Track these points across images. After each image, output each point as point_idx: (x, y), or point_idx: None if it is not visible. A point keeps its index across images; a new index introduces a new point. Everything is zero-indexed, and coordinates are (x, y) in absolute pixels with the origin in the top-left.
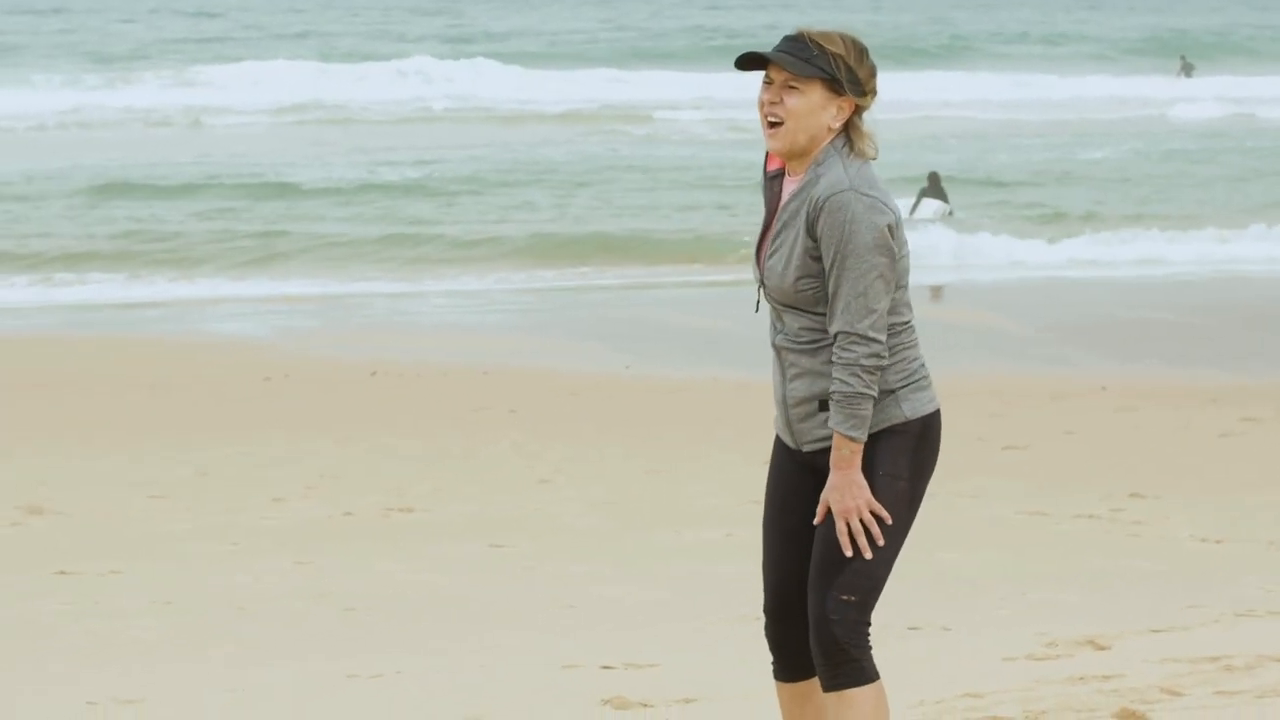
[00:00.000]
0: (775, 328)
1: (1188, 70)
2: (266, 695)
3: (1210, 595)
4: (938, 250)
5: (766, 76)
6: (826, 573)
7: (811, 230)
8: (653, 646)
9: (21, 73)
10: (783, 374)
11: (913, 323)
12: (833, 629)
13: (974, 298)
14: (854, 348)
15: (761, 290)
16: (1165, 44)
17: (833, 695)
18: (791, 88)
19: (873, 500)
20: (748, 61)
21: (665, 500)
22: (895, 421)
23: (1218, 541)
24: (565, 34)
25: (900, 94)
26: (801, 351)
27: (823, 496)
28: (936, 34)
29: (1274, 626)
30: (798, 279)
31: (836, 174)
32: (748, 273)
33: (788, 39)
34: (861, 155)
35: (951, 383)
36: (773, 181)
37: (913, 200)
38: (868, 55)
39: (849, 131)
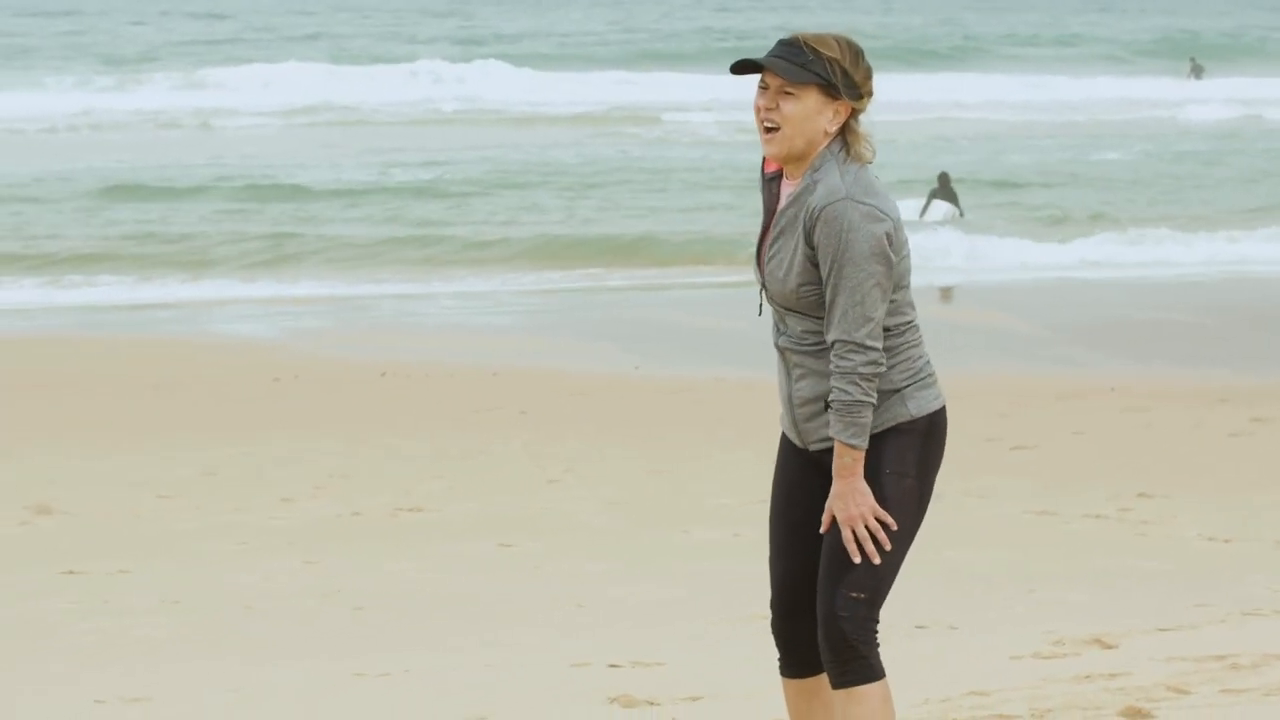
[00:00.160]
0: (779, 329)
1: (1198, 72)
2: (274, 694)
3: (1217, 594)
4: (948, 251)
5: (762, 81)
6: (836, 570)
7: (809, 238)
8: (660, 645)
9: (33, 75)
10: (788, 374)
11: (916, 321)
12: (841, 625)
13: (984, 298)
14: (851, 356)
15: (763, 293)
16: (1178, 45)
17: (841, 692)
18: (787, 93)
19: (876, 506)
20: (743, 66)
21: (673, 500)
22: (901, 420)
23: (1225, 541)
24: (575, 36)
25: (913, 95)
26: (806, 353)
27: (827, 505)
28: (949, 35)
29: None
30: (799, 285)
31: (833, 182)
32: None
33: (782, 43)
34: (859, 159)
35: (961, 383)
36: (770, 183)
37: (923, 201)
38: (863, 57)
39: (845, 135)
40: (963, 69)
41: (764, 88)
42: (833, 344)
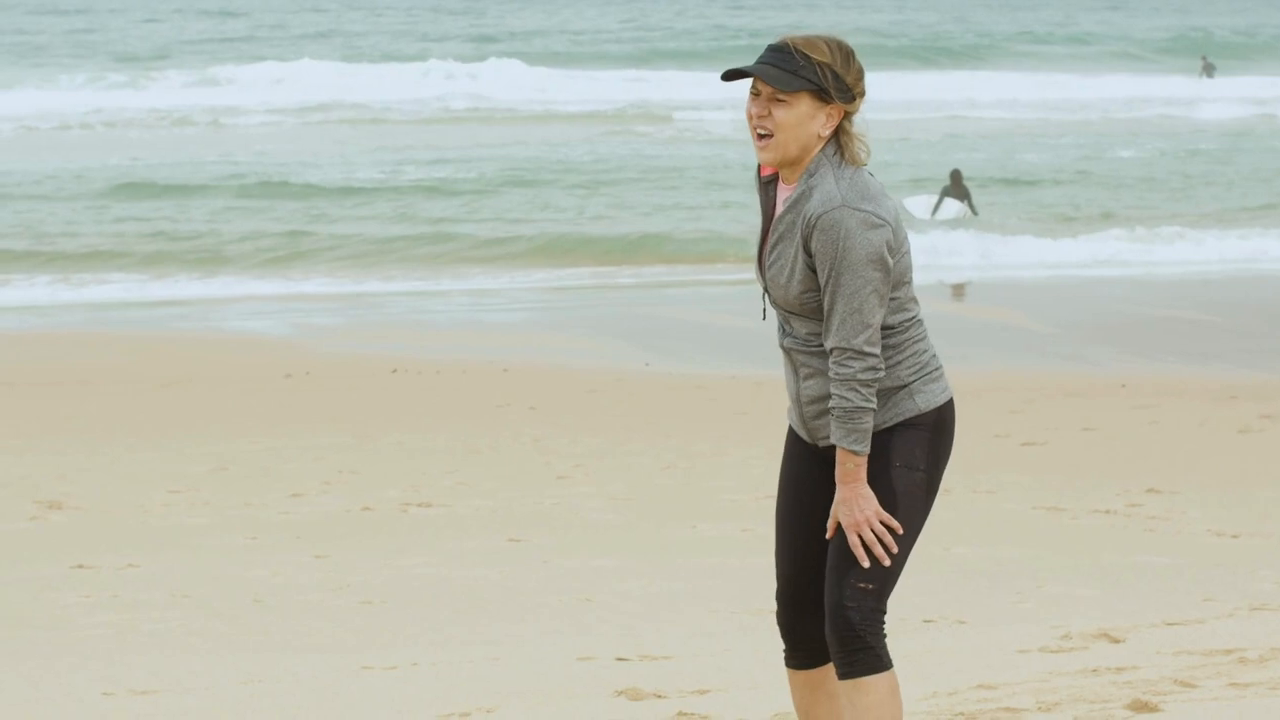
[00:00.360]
0: (784, 330)
1: (1209, 71)
2: (282, 686)
3: (1225, 589)
4: (960, 249)
5: (754, 88)
6: (843, 562)
7: (807, 246)
8: (668, 639)
9: (46, 72)
10: (795, 373)
11: (919, 315)
12: (849, 616)
13: (995, 295)
14: (850, 363)
15: (766, 297)
16: (1192, 43)
17: (848, 683)
18: (779, 100)
19: (881, 510)
20: (734, 74)
21: (683, 495)
22: (910, 414)
23: (1234, 536)
24: (588, 34)
25: (926, 93)
26: (812, 353)
27: (832, 511)
28: (962, 33)
29: None
30: (802, 291)
31: (829, 188)
32: None
33: (772, 50)
34: (854, 161)
35: (972, 379)
36: (767, 186)
37: (935, 199)
38: (854, 58)
39: (839, 137)
40: (976, 67)
41: (755, 94)
42: (831, 351)
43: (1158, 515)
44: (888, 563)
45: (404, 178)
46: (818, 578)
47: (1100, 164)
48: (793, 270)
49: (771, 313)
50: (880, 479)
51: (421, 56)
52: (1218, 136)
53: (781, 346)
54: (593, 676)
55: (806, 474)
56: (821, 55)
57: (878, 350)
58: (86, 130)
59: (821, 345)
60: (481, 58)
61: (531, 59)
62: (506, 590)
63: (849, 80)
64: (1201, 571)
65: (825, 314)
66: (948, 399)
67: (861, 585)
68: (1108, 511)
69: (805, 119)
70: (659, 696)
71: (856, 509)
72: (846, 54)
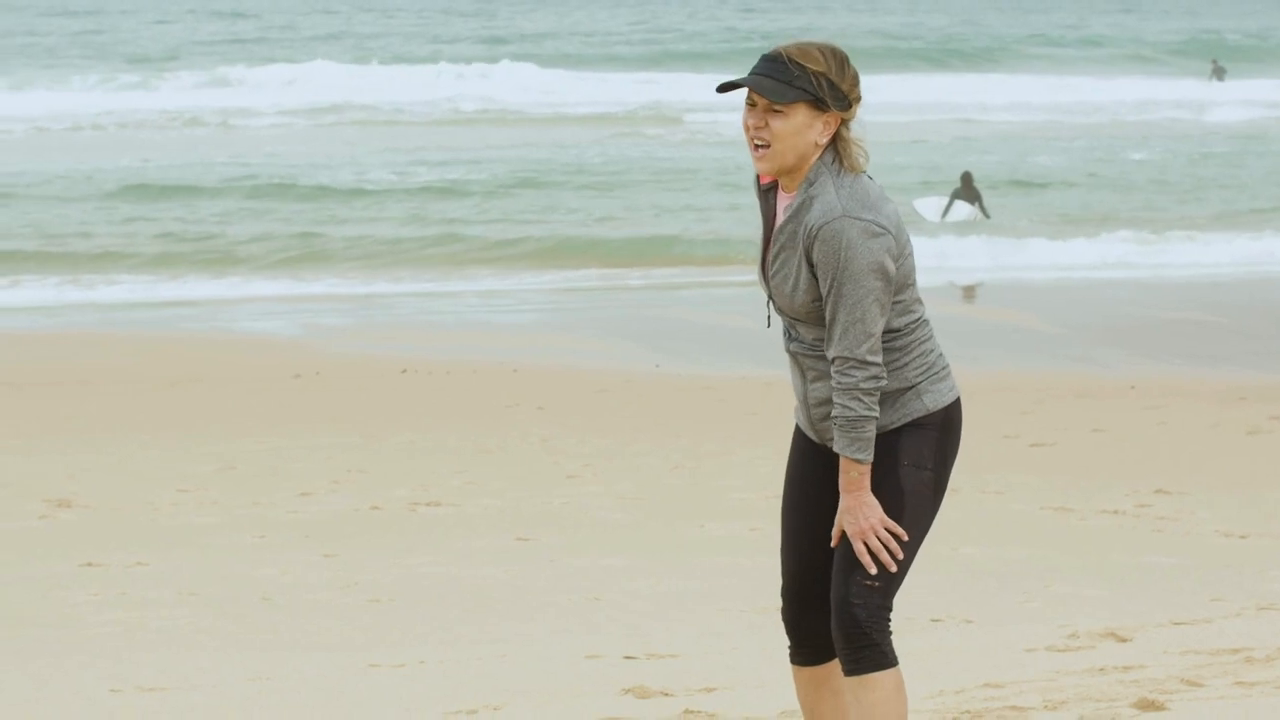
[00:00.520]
0: (789, 335)
1: (1219, 74)
2: (289, 683)
3: (1233, 589)
4: (970, 250)
5: (749, 99)
6: (851, 559)
7: (809, 256)
8: (675, 638)
9: (57, 74)
10: (802, 376)
11: (925, 316)
12: (855, 613)
13: (1006, 297)
14: (853, 372)
15: (771, 304)
16: (1206, 46)
17: (853, 679)
18: (775, 111)
19: (885, 518)
20: (730, 86)
21: (691, 495)
22: (918, 414)
23: (1242, 536)
24: (598, 36)
25: (937, 96)
26: (819, 357)
27: (837, 519)
28: (975, 35)
29: None
30: (809, 300)
31: (829, 199)
32: None
33: (766, 60)
34: (853, 168)
35: (981, 380)
36: (767, 194)
37: (945, 201)
38: (849, 64)
39: (837, 144)
40: (988, 70)
41: (751, 105)
42: (833, 360)
43: (1166, 516)
44: (894, 569)
45: (414, 179)
46: (823, 574)
47: (1110, 166)
48: (797, 280)
49: (776, 319)
50: (888, 478)
51: (432, 58)
52: (1228, 139)
53: (788, 351)
54: (600, 674)
55: (812, 471)
56: (816, 64)
57: (879, 359)
58: (98, 131)
59: None
60: (492, 59)
61: (542, 61)
62: (515, 589)
63: (844, 87)
64: (1209, 571)
65: (827, 323)
66: (955, 398)
67: (868, 583)
68: (1116, 512)
69: (802, 129)
70: (666, 694)
71: (861, 517)
72: (841, 61)
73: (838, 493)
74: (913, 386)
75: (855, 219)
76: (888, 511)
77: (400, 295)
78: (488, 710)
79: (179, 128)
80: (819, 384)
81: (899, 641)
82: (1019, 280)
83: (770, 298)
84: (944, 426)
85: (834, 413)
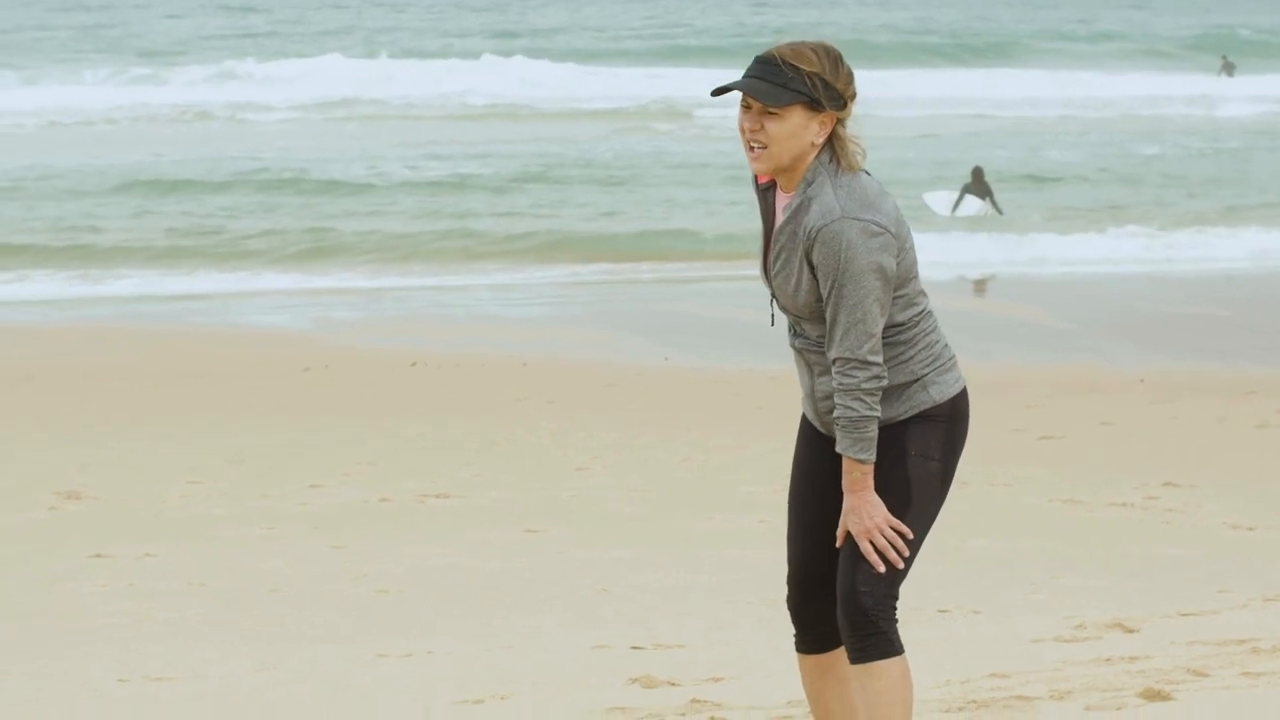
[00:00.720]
0: (794, 332)
1: (1229, 70)
2: (296, 673)
3: (1240, 580)
4: (980, 245)
5: (744, 101)
6: (857, 548)
7: (809, 258)
8: (683, 629)
9: (69, 68)
10: (809, 370)
11: (929, 308)
12: (861, 601)
13: (1015, 291)
14: (855, 373)
15: (775, 302)
16: (1218, 41)
17: (859, 667)
18: (771, 114)
19: (890, 516)
20: (725, 90)
21: (700, 488)
22: (925, 406)
23: (1250, 529)
24: (609, 30)
25: (949, 91)
26: (825, 353)
27: (841, 520)
28: (987, 29)
29: None
30: (811, 300)
31: (827, 199)
32: None
33: (760, 62)
34: (850, 167)
35: (991, 374)
36: (766, 193)
37: (955, 195)
38: (842, 62)
39: (833, 143)
40: (999, 65)
41: (747, 108)
42: (834, 361)
43: (1174, 508)
44: (901, 565)
45: (425, 174)
46: (829, 561)
47: (1120, 161)
48: (799, 281)
49: (780, 316)
50: (896, 468)
51: (443, 53)
52: (1238, 134)
53: (793, 347)
54: (607, 665)
55: (819, 460)
56: (810, 65)
57: (881, 359)
58: (109, 125)
59: None
60: (503, 54)
61: (553, 55)
62: (523, 581)
63: (839, 86)
64: (1217, 563)
65: (828, 324)
66: (961, 388)
67: (874, 571)
68: (1125, 504)
69: (798, 130)
70: (673, 684)
71: (865, 516)
72: (835, 59)
73: (841, 478)
74: (919, 379)
75: (854, 219)
76: (895, 501)
77: (410, 289)
78: (495, 700)
79: (190, 122)
80: (825, 378)
81: (906, 632)
82: (1028, 275)
83: (774, 296)
84: (951, 417)
85: (836, 413)
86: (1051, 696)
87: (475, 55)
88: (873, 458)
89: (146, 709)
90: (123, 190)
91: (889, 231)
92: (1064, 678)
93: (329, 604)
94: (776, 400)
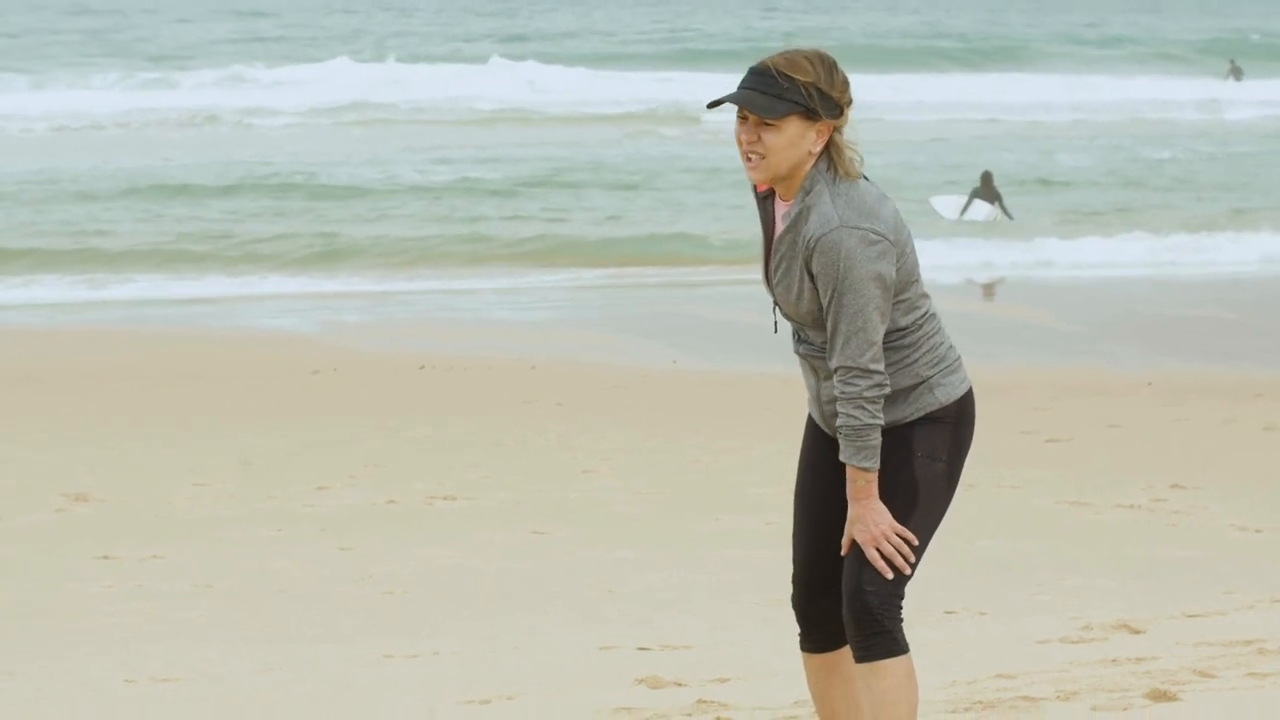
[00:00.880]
0: (798, 338)
1: (1237, 74)
2: (302, 674)
3: (1247, 581)
4: (987, 248)
5: (740, 112)
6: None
7: (808, 267)
8: (689, 630)
9: (78, 73)
10: (815, 374)
11: (932, 310)
12: (867, 600)
13: (1022, 294)
14: (857, 381)
15: (777, 310)
16: (1229, 46)
17: (864, 666)
18: (767, 125)
19: (894, 523)
20: (720, 103)
21: (707, 490)
22: (931, 408)
23: (1257, 530)
24: (619, 35)
25: (959, 95)
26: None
27: (846, 529)
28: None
29: None
30: (813, 308)
31: (825, 209)
32: None
33: (755, 73)
34: (848, 175)
35: (998, 377)
36: (765, 201)
37: (964, 199)
38: (837, 69)
39: (830, 151)
40: (1009, 69)
41: (743, 119)
42: (836, 370)
43: (1181, 510)
44: (908, 571)
45: (434, 178)
46: (834, 560)
47: (1128, 165)
48: (800, 290)
49: (783, 323)
50: (902, 469)
51: (452, 57)
52: (1246, 138)
53: (797, 353)
54: (613, 665)
55: (825, 460)
56: (805, 75)
57: (882, 366)
58: (118, 130)
59: None
60: (512, 58)
61: (562, 59)
62: (529, 582)
63: (835, 95)
64: (1223, 565)
65: (829, 334)
66: (967, 389)
67: (881, 571)
68: (1131, 506)
69: (795, 140)
70: (679, 685)
71: (871, 524)
72: (830, 67)
73: (846, 478)
74: (924, 381)
75: (853, 228)
76: (902, 502)
77: (418, 292)
78: (501, 700)
79: (198, 126)
80: (830, 383)
81: (912, 633)
82: (1035, 278)
83: (776, 304)
84: (957, 419)
85: (838, 422)
86: (1058, 697)
87: (483, 60)
88: (876, 465)
89: (153, 709)
90: (131, 194)
91: (887, 239)
92: (1070, 678)
93: (335, 605)
94: (783, 402)
